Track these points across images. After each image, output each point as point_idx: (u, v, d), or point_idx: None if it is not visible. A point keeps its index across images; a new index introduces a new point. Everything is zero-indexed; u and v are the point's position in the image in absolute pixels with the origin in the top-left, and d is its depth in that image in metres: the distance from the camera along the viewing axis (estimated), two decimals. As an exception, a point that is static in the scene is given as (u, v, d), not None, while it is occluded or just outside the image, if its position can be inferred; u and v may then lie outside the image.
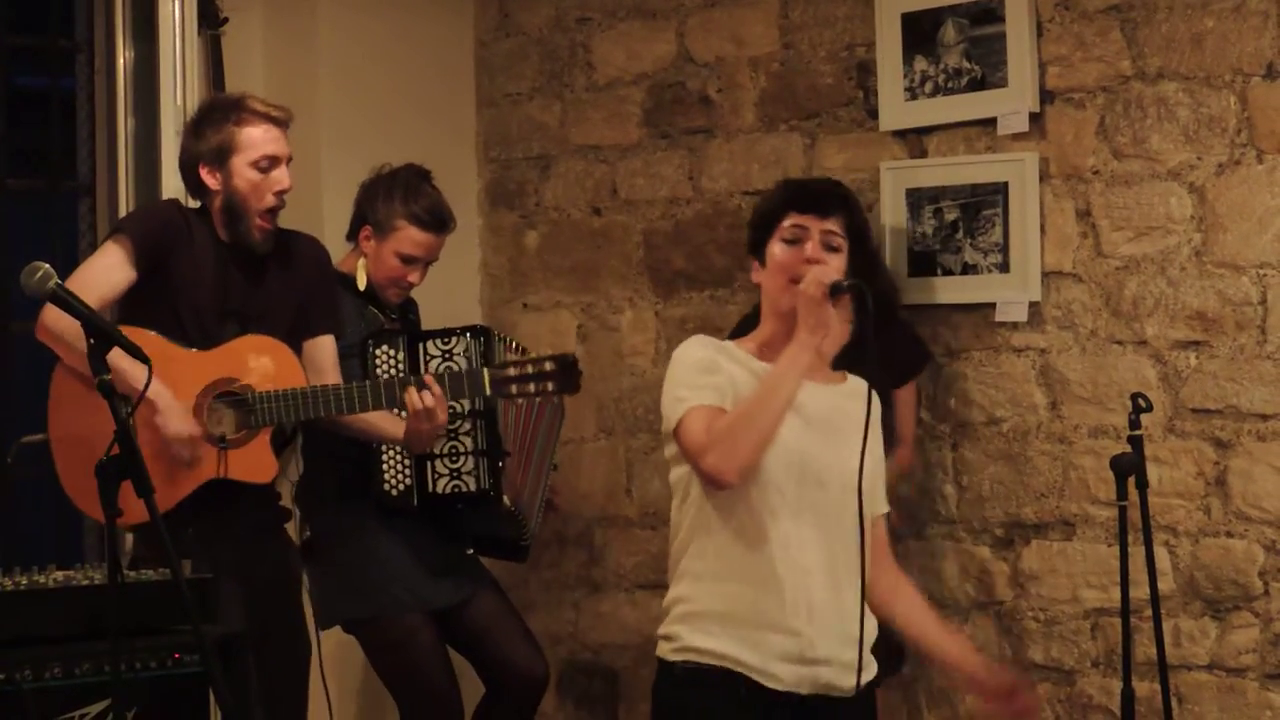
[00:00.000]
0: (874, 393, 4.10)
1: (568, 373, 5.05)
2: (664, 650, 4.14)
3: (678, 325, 6.67)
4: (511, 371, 5.06)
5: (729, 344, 4.20)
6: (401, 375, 5.44)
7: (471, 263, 7.23)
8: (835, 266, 4.05)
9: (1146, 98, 5.75)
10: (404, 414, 5.22)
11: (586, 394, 6.80)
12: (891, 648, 4.50)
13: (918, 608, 4.32)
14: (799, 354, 3.94)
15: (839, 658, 4.03)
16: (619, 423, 6.86)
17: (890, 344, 5.42)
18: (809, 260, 4.02)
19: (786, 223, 4.10)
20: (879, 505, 4.25)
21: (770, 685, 4.01)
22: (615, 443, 6.86)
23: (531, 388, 5.06)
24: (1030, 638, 6.00)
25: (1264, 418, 5.56)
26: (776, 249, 4.10)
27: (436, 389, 5.11)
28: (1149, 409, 4.92)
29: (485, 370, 5.14)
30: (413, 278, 5.77)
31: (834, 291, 3.92)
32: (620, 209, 6.93)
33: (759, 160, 6.54)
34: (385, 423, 5.36)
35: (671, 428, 4.04)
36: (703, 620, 4.07)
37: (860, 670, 4.01)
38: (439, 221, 5.75)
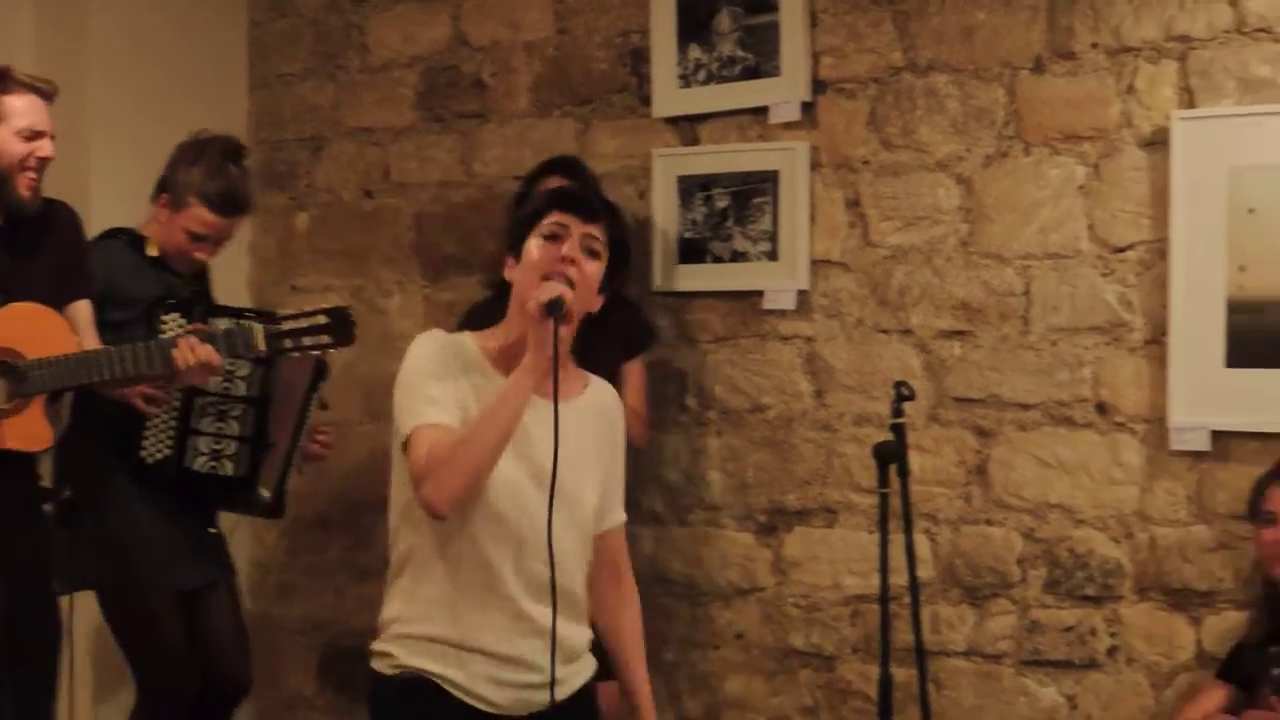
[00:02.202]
0: (618, 403, 3.96)
1: (342, 324, 4.80)
2: (378, 665, 3.91)
3: (447, 310, 6.41)
4: (285, 326, 4.78)
5: (467, 341, 3.90)
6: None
7: (240, 244, 6.89)
8: (589, 272, 3.81)
9: (917, 89, 5.61)
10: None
11: (353, 378, 6.57)
12: None
13: (629, 636, 4.18)
14: (524, 379, 3.69)
15: (570, 681, 3.92)
16: (386, 407, 6.43)
17: (619, 322, 5.38)
18: (564, 259, 3.77)
19: (548, 220, 3.83)
20: (615, 516, 4.08)
21: (484, 709, 3.83)
22: (382, 427, 6.53)
23: (306, 340, 4.80)
24: (792, 624, 5.83)
25: (1025, 407, 5.44)
26: (533, 245, 3.83)
27: (205, 346, 4.80)
28: (911, 397, 4.74)
29: (259, 325, 4.83)
30: (200, 255, 5.50)
31: (550, 311, 3.65)
32: (392, 192, 6.66)
33: (532, 145, 6.31)
34: None
35: (401, 441, 3.77)
36: (418, 642, 3.84)
37: (553, 685, 3.80)
38: (231, 205, 5.45)
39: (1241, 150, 5.05)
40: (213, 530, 5.69)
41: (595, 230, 3.83)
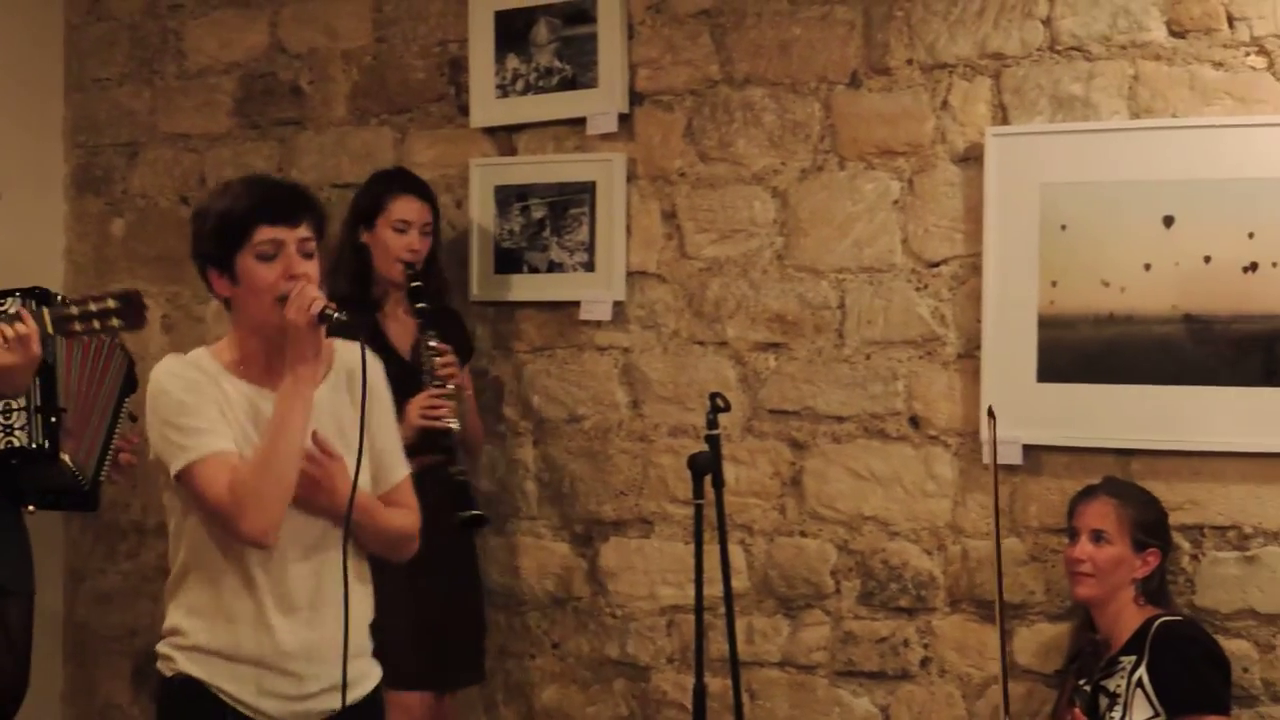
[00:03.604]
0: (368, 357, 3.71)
1: (131, 308, 4.46)
2: (161, 667, 3.77)
3: (263, 316, 6.03)
4: (73, 310, 4.44)
5: (204, 357, 3.72)
6: None
7: (55, 249, 6.62)
8: (314, 275, 3.65)
9: (734, 102, 5.38)
10: None
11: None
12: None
13: None
14: (299, 389, 3.59)
15: (336, 683, 3.73)
16: (202, 413, 6.19)
17: (448, 332, 5.26)
18: (293, 276, 3.59)
19: (259, 237, 3.60)
20: (395, 474, 3.89)
21: (257, 718, 3.70)
22: (197, 433, 6.18)
23: (96, 324, 4.46)
24: (607, 634, 5.60)
25: (839, 419, 5.24)
26: (254, 267, 3.61)
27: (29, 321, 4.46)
28: (726, 409, 4.55)
29: (45, 309, 4.49)
30: None
31: (321, 320, 3.56)
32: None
33: (349, 153, 6.02)
34: None
35: (174, 474, 3.60)
36: (198, 654, 3.69)
37: (345, 689, 3.72)
38: None
39: (1054, 167, 4.90)
40: (30, 509, 5.35)
41: (305, 231, 3.66)
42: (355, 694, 3.77)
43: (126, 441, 5.45)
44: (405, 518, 3.87)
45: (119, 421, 5.44)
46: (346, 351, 3.79)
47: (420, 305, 5.14)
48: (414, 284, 5.20)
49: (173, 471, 3.59)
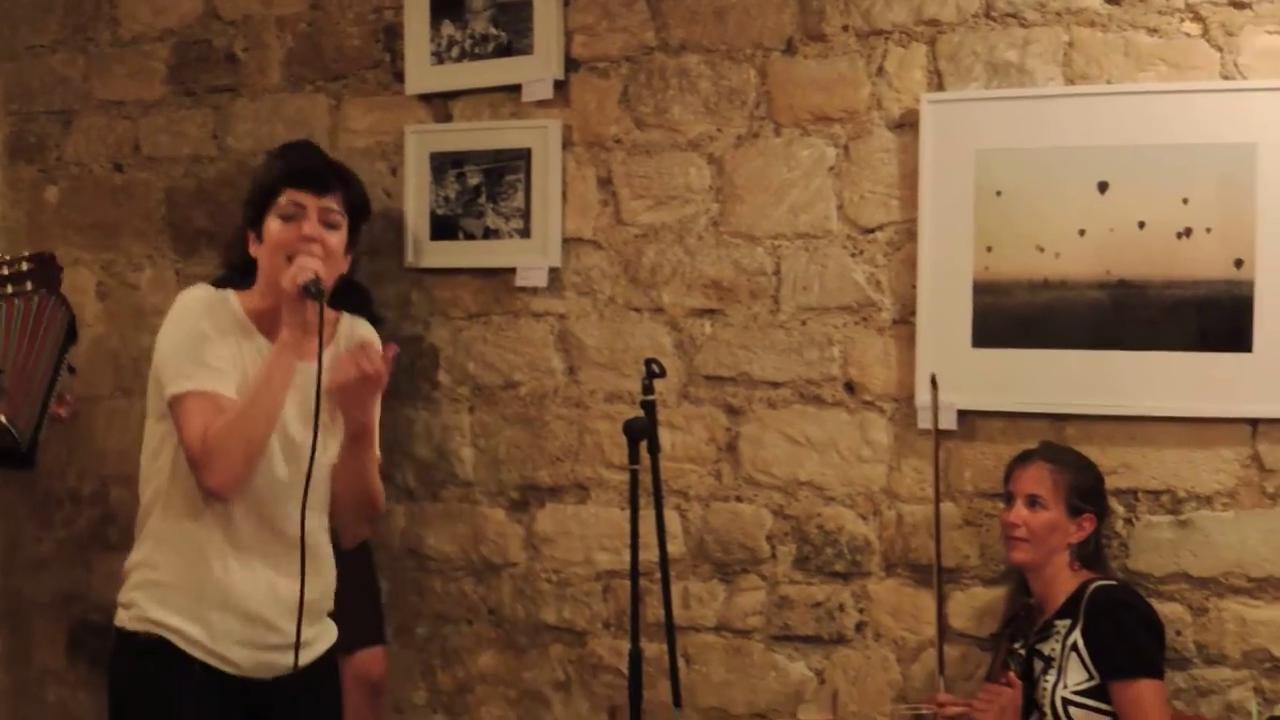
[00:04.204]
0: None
1: (47, 270, 4.33)
2: (122, 619, 3.72)
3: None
4: None
5: (231, 299, 3.73)
6: None
7: (-11, 217, 6.40)
8: (333, 244, 3.70)
9: (669, 69, 5.26)
10: None
11: (104, 352, 6.09)
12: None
13: None
14: (282, 354, 3.61)
15: (303, 638, 3.71)
16: (136, 382, 6.04)
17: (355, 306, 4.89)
18: (306, 238, 3.65)
19: (283, 199, 3.70)
20: (375, 449, 3.85)
21: (227, 670, 3.68)
22: (133, 402, 6.03)
23: (9, 288, 4.30)
24: (543, 599, 5.48)
25: (775, 385, 5.14)
26: (274, 225, 3.70)
27: None
28: (662, 374, 4.45)
29: None
30: None
31: (306, 292, 3.58)
32: (142, 166, 6.13)
33: (284, 120, 5.85)
34: None
35: (167, 397, 3.62)
36: (162, 590, 3.68)
37: (298, 647, 3.67)
38: None
39: (989, 133, 4.82)
40: None
41: (331, 203, 3.71)
42: (319, 648, 3.79)
43: (63, 402, 5.29)
44: (380, 488, 3.85)
45: (59, 377, 5.29)
46: (353, 324, 3.86)
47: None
48: None
49: (168, 393, 3.59)
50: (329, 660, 3.87)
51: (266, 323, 3.70)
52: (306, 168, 3.78)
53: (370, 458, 3.76)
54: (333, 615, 3.91)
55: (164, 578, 3.66)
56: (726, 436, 5.20)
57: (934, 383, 4.68)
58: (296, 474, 3.64)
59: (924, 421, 4.86)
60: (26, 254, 4.38)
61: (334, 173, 3.81)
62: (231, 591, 3.63)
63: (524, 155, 5.41)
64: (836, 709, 4.40)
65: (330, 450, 3.73)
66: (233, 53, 5.94)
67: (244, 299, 3.74)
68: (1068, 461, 4.55)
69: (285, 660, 3.66)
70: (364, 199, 3.85)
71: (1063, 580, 4.46)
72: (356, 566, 5.02)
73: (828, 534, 5.06)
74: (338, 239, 3.71)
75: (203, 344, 3.62)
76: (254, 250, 3.74)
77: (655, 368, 4.45)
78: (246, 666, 3.67)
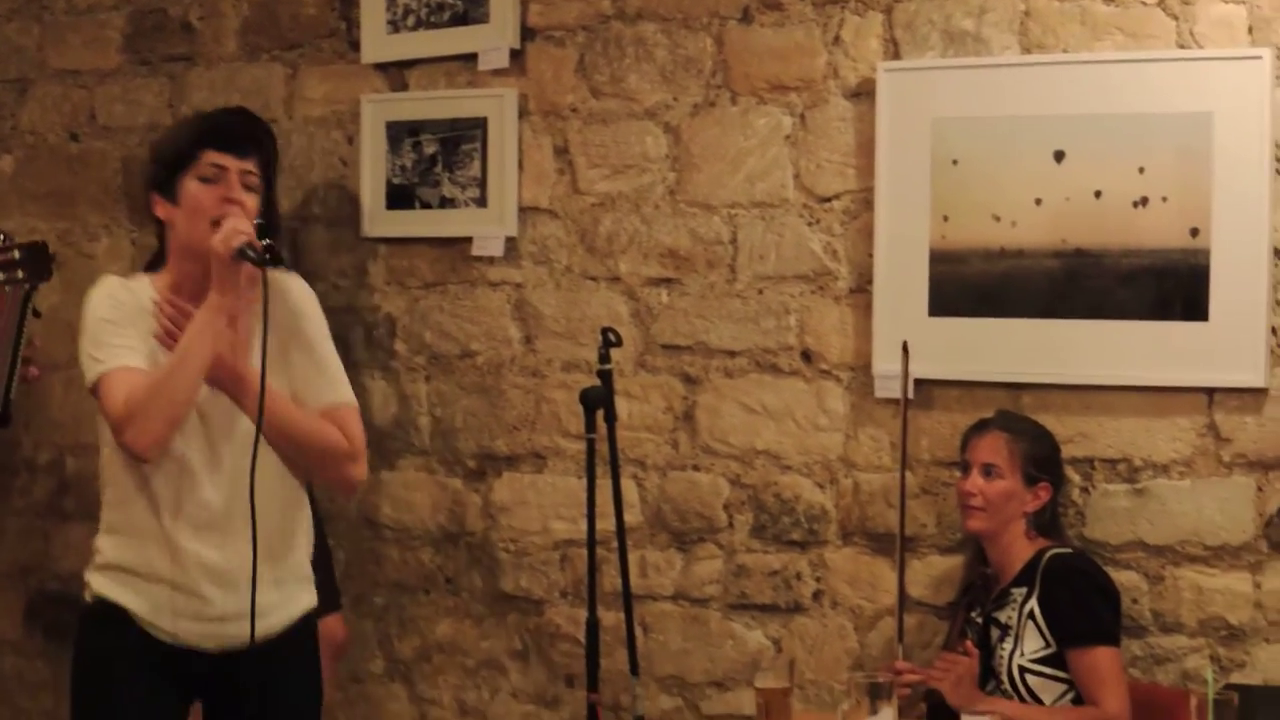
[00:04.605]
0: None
1: (39, 259, 4.27)
2: (84, 593, 3.76)
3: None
4: None
5: (143, 283, 3.69)
6: None
7: (-57, 186, 6.27)
8: (251, 208, 3.63)
9: (626, 37, 5.18)
10: None
11: (60, 322, 5.89)
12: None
13: None
14: (210, 318, 3.52)
15: (267, 612, 3.64)
16: (93, 351, 5.93)
17: None
18: (230, 201, 3.60)
19: (204, 160, 3.63)
20: (328, 395, 3.76)
21: (168, 641, 3.64)
22: (89, 371, 5.92)
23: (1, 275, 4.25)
24: (501, 569, 5.39)
25: (731, 354, 5.08)
26: (193, 188, 3.63)
27: None
28: (618, 343, 4.43)
29: None
30: None
31: (240, 255, 3.49)
32: (98, 135, 6.01)
33: (240, 90, 5.73)
34: None
35: (89, 387, 3.62)
36: (115, 573, 3.68)
37: (254, 619, 3.55)
38: None
39: (945, 102, 4.76)
40: None
41: (251, 165, 3.67)
42: (278, 619, 3.70)
43: (32, 359, 5.21)
44: (329, 430, 3.71)
45: (21, 343, 5.19)
46: (285, 282, 3.74)
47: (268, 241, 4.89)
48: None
49: (88, 385, 3.59)
50: (304, 629, 3.81)
51: (178, 293, 3.66)
52: (229, 129, 3.72)
53: (278, 409, 3.63)
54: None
55: (113, 561, 3.67)
56: (683, 405, 5.13)
57: (905, 350, 4.61)
58: (224, 442, 3.62)
59: (881, 390, 4.81)
60: (19, 242, 4.32)
61: (254, 136, 3.77)
62: (172, 571, 3.60)
63: (480, 124, 5.32)
64: (793, 677, 4.33)
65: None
66: (188, 21, 5.82)
67: (156, 280, 3.70)
68: (1024, 430, 4.50)
69: (234, 631, 3.61)
70: (276, 158, 3.83)
71: (1019, 549, 4.41)
72: None
73: (785, 503, 5.00)
74: (254, 203, 3.65)
75: (109, 329, 3.60)
76: (162, 212, 3.68)
77: (612, 337, 4.43)
78: (185, 638, 3.63)
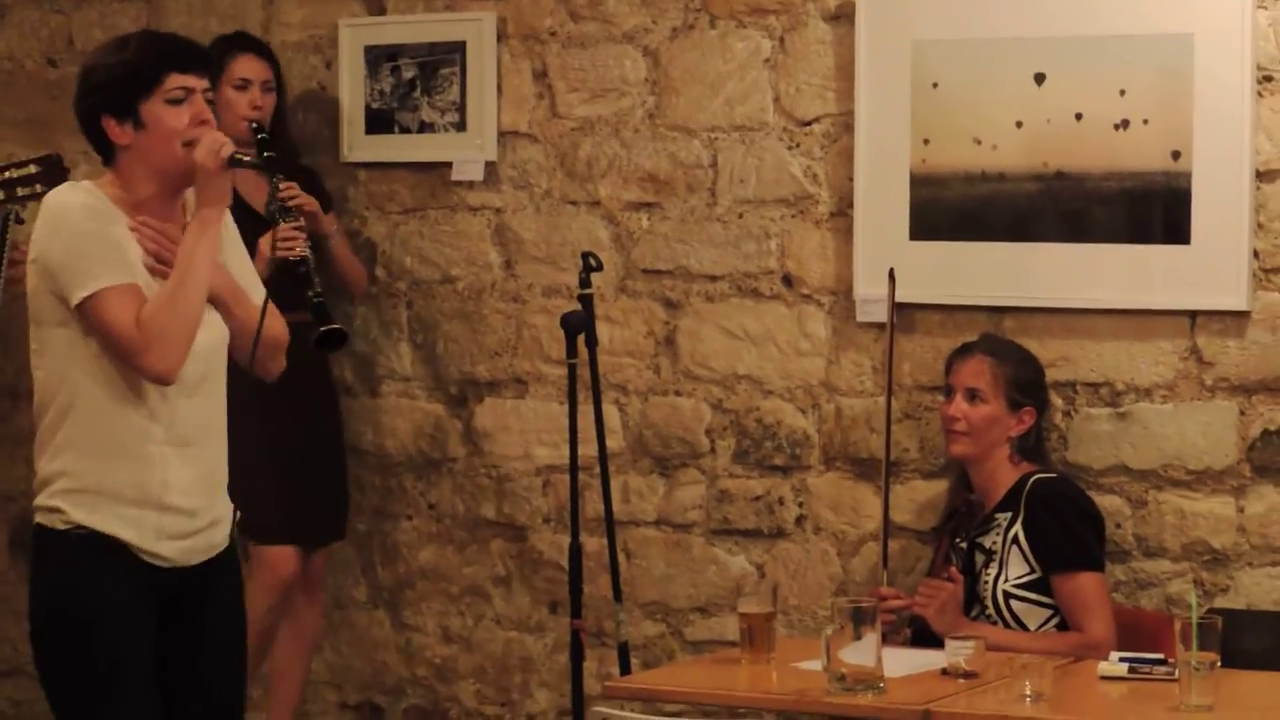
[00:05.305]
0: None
1: (54, 171, 4.22)
2: (46, 519, 3.53)
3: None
4: None
5: (98, 192, 3.54)
6: None
7: (-80, 113, 6.13)
8: (212, 122, 3.57)
9: (604, -40, 5.07)
10: None
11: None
12: None
13: None
14: (205, 231, 3.49)
15: (217, 517, 3.63)
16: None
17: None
18: (203, 121, 3.52)
19: (170, 84, 3.51)
20: (255, 293, 3.69)
21: (157, 563, 3.52)
22: (70, 297, 5.82)
23: (19, 191, 4.18)
24: (483, 495, 5.33)
25: (712, 279, 5.00)
26: (164, 111, 3.51)
27: None
28: (599, 268, 4.44)
29: None
30: None
31: (231, 164, 3.48)
32: (76, 60, 5.80)
33: (218, 14, 5.60)
34: None
35: (76, 301, 3.41)
36: (87, 496, 3.49)
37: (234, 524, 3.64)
38: None
39: (925, 24, 4.69)
40: None
41: (207, 83, 3.60)
42: (226, 525, 3.66)
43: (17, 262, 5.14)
44: (281, 324, 3.68)
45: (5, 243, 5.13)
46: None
47: (268, 154, 4.78)
48: (260, 135, 4.93)
49: (75, 299, 3.40)
50: (233, 531, 3.76)
51: (138, 210, 3.54)
52: (190, 51, 3.65)
53: (248, 306, 3.61)
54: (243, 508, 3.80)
55: (84, 485, 3.48)
56: (664, 330, 5.06)
57: (891, 278, 4.53)
58: (201, 357, 3.54)
59: (862, 315, 4.75)
60: (32, 157, 4.27)
61: (204, 53, 3.74)
62: (158, 490, 3.51)
63: (459, 48, 5.24)
64: (776, 602, 4.27)
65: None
66: (165, -55, 5.70)
67: (106, 188, 3.56)
68: (1007, 354, 4.42)
69: (205, 543, 3.58)
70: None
71: (1003, 474, 4.34)
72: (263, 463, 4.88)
73: (766, 428, 4.93)
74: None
75: (96, 242, 3.46)
76: (122, 138, 3.53)
77: (592, 261, 4.42)
78: (177, 557, 3.54)
